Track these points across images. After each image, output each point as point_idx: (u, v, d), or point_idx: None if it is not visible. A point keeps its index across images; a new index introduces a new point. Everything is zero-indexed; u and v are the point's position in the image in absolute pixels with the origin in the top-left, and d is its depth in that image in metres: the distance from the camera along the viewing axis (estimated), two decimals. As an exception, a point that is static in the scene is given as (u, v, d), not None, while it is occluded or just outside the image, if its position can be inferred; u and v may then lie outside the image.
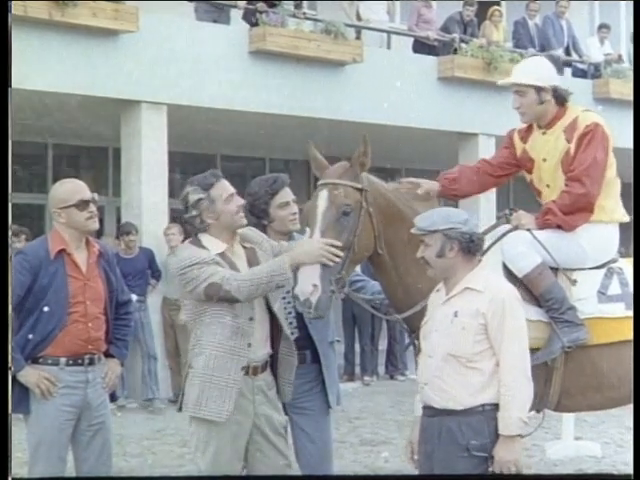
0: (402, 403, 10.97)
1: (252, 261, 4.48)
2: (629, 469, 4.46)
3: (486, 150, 14.25)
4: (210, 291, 4.29)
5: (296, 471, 4.92)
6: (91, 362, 4.85)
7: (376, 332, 12.92)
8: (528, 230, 4.85)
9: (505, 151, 5.25)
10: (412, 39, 14.42)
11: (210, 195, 4.40)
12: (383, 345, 13.16)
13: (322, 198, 4.48)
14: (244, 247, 4.53)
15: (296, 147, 15.17)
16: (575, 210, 4.87)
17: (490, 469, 4.11)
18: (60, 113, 11.70)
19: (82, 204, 4.82)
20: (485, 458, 4.11)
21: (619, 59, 15.92)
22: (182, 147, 13.13)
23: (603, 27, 16.70)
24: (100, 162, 14.17)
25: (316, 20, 12.97)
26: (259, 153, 15.37)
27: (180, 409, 4.49)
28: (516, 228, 4.89)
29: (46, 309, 4.73)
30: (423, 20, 14.39)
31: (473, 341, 4.11)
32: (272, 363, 4.56)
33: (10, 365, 4.44)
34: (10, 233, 4.36)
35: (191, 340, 4.46)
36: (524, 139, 5.15)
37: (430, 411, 4.23)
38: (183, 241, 10.92)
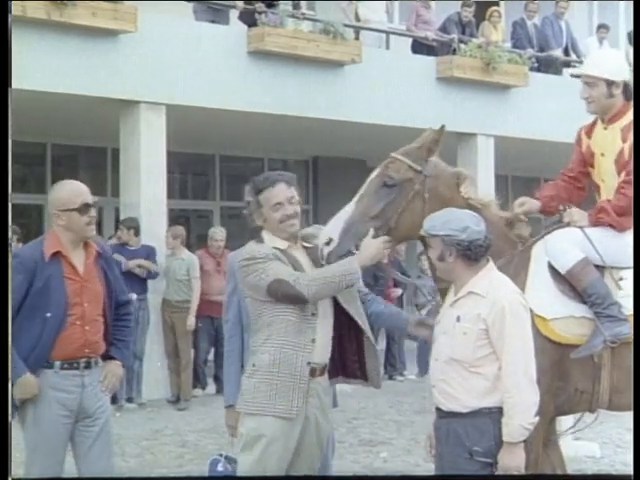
0: (401, 403, 10.98)
1: (316, 260, 4.47)
2: (628, 469, 4.45)
3: (485, 150, 14.29)
4: (275, 287, 4.26)
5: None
6: (87, 366, 4.76)
7: (375, 332, 12.90)
8: (580, 227, 4.84)
9: (577, 153, 5.22)
10: (411, 39, 14.43)
11: (259, 200, 4.40)
12: (382, 345, 13.15)
13: (377, 168, 4.60)
14: (305, 247, 4.51)
15: (295, 147, 15.24)
16: (628, 212, 4.86)
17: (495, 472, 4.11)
18: (59, 113, 11.71)
19: (84, 208, 4.73)
20: (490, 463, 4.11)
21: (618, 59, 15.91)
22: (181, 147, 13.13)
23: (602, 27, 16.72)
24: (99, 162, 14.18)
25: (315, 20, 12.97)
26: (258, 153, 15.38)
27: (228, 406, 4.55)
28: (568, 225, 4.88)
29: (48, 315, 4.64)
30: (422, 21, 14.40)
31: (474, 346, 4.11)
32: (330, 369, 4.53)
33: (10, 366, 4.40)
34: (10, 233, 4.33)
35: (254, 342, 4.42)
36: (589, 134, 5.15)
37: (439, 413, 4.25)
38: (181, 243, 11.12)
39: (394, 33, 14.58)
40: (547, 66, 15.21)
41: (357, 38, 13.10)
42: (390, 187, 4.53)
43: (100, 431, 4.82)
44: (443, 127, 4.64)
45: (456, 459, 4.14)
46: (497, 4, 15.89)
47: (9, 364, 4.32)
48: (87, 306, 4.74)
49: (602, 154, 5.04)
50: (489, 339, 4.11)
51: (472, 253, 4.15)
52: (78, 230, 4.76)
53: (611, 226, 4.88)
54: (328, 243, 4.37)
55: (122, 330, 4.99)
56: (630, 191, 4.86)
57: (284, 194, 4.40)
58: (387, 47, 14.15)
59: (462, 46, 13.90)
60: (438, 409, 4.24)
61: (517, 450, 4.09)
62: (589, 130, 5.15)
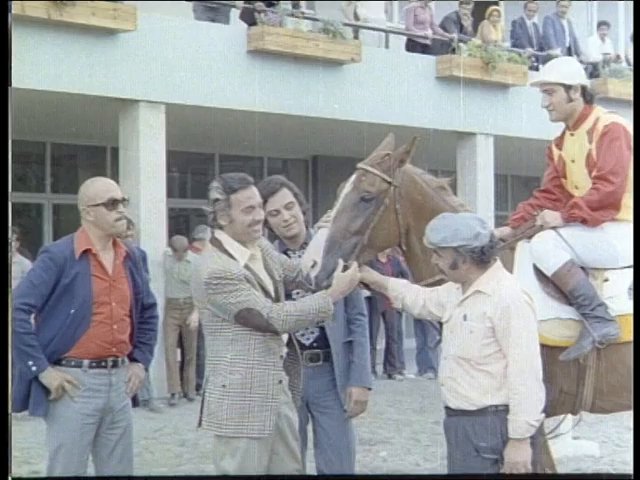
0: (400, 402, 10.98)
1: (270, 272, 4.42)
2: (627, 468, 4.47)
3: (484, 149, 14.29)
4: (245, 316, 4.20)
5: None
6: (115, 365, 4.74)
7: (374, 331, 12.92)
8: (554, 228, 4.86)
9: (550, 169, 5.26)
10: (406, 38, 14.43)
11: (230, 199, 4.34)
12: (381, 344, 13.17)
13: (349, 181, 4.56)
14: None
15: (294, 146, 15.24)
16: (602, 207, 4.89)
17: (501, 470, 4.15)
18: (58, 112, 11.70)
19: (112, 204, 4.72)
20: (495, 459, 4.15)
21: (617, 59, 15.92)
22: (180, 146, 13.14)
23: (603, 24, 16.69)
24: (98, 161, 14.17)
25: (314, 19, 12.98)
26: (257, 152, 15.36)
27: (200, 425, 4.36)
28: (541, 227, 4.89)
29: (72, 311, 4.63)
30: (418, 21, 14.39)
31: (481, 344, 4.15)
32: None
33: (10, 365, 4.39)
34: (10, 232, 4.33)
35: (218, 360, 4.31)
36: (559, 145, 5.19)
37: (448, 412, 4.29)
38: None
39: (393, 32, 14.58)
40: (546, 65, 15.20)
41: (356, 37, 13.10)
42: (368, 201, 4.52)
43: (123, 433, 4.80)
44: (415, 139, 4.61)
45: (465, 457, 4.19)
46: (497, 3, 15.89)
47: (9, 364, 4.32)
48: (115, 305, 4.73)
49: (572, 160, 5.07)
50: (495, 337, 4.15)
51: (485, 257, 4.21)
52: (106, 226, 4.73)
53: (584, 221, 4.88)
54: (313, 266, 4.36)
55: (147, 333, 4.96)
56: (603, 186, 4.87)
57: (257, 198, 4.37)
58: (386, 46, 14.14)
59: (462, 45, 13.91)
60: (447, 408, 4.28)
61: (523, 446, 4.13)
62: (559, 142, 5.18)
